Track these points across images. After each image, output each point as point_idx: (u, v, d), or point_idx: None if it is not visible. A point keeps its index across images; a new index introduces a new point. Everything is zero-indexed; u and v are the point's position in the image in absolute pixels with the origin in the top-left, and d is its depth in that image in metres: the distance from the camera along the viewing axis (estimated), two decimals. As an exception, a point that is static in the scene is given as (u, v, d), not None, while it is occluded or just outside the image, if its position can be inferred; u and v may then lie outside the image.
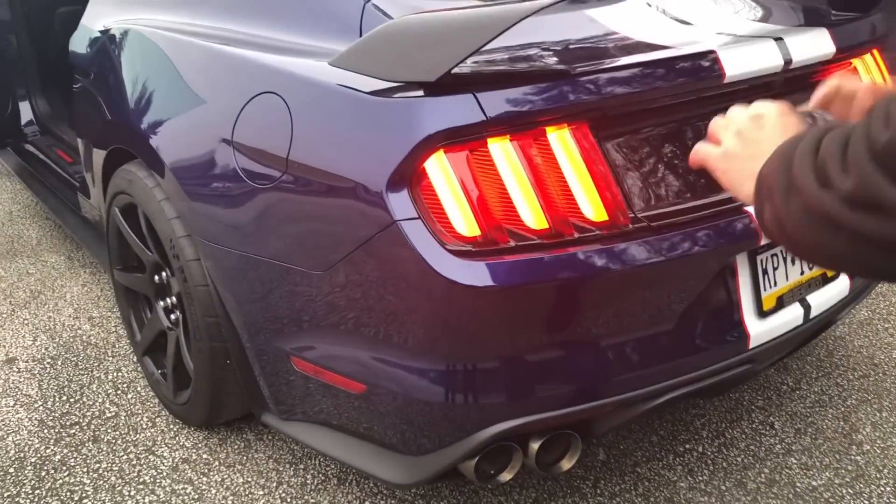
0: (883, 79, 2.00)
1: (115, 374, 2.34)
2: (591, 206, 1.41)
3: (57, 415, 2.17)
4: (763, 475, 1.93)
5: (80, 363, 2.40)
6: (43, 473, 1.96)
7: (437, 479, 1.57)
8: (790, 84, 1.72)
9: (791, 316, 1.67)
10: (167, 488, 1.90)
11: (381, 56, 1.40)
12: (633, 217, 1.43)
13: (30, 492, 1.90)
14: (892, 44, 2.20)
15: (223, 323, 1.77)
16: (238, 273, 1.67)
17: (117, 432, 2.09)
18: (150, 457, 2.01)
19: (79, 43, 2.44)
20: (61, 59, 2.56)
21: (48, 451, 2.03)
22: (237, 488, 1.90)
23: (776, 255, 1.67)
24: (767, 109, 0.84)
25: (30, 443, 2.06)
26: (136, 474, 1.95)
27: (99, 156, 2.26)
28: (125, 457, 2.01)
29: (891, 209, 0.60)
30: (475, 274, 1.34)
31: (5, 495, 1.89)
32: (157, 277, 2.09)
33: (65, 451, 2.03)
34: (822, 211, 0.65)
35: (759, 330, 1.61)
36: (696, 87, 1.50)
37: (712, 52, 1.50)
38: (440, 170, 1.35)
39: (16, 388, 2.29)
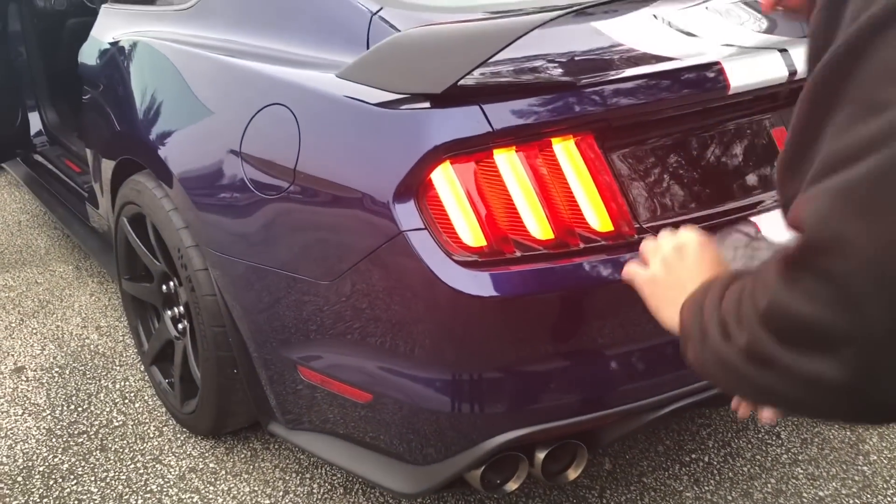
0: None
1: (122, 384, 2.35)
2: (597, 217, 1.41)
3: (65, 423, 2.18)
4: (769, 485, 1.93)
5: (87, 372, 2.41)
6: (51, 482, 1.97)
7: (444, 489, 1.58)
8: (795, 95, 1.73)
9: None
10: (174, 497, 1.91)
11: (387, 68, 1.41)
12: (638, 227, 1.44)
13: (38, 500, 1.91)
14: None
15: (230, 332, 1.78)
16: (245, 283, 1.69)
17: (125, 441, 2.10)
18: (157, 465, 2.01)
19: (88, 54, 2.47)
20: (71, 71, 2.58)
21: (56, 459, 2.04)
22: (243, 497, 1.90)
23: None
24: (689, 241, 0.88)
25: (38, 451, 2.07)
26: (143, 483, 1.96)
27: (108, 166, 2.28)
28: (132, 465, 2.01)
29: (780, 367, 0.62)
30: (481, 284, 1.35)
31: (13, 504, 1.90)
32: (164, 287, 2.10)
33: (72, 459, 2.04)
34: (728, 362, 0.68)
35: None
36: (701, 99, 1.51)
37: (717, 63, 1.51)
38: (446, 180, 1.36)
39: (24, 397, 2.30)
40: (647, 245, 0.93)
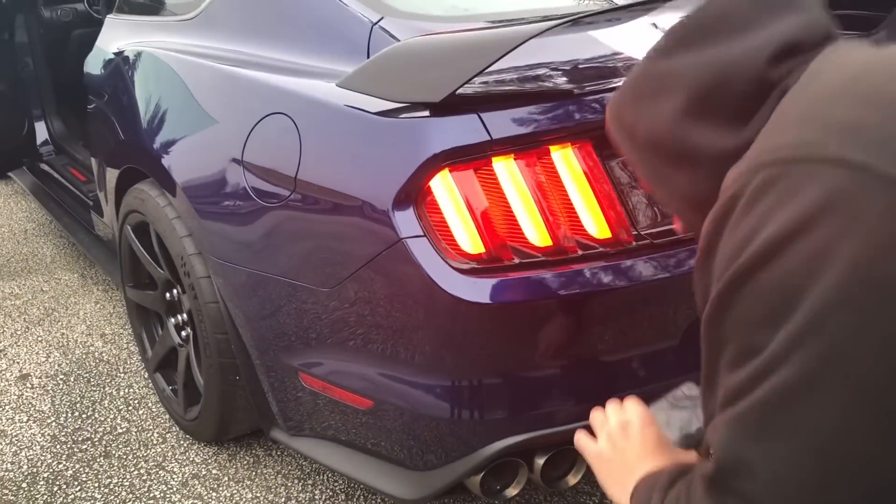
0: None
1: (126, 391, 2.37)
2: (595, 224, 1.42)
3: (69, 430, 2.19)
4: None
5: (92, 379, 2.43)
6: (55, 489, 1.98)
7: (444, 495, 1.58)
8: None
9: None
10: (177, 503, 1.92)
11: (387, 77, 1.43)
12: (636, 234, 1.45)
13: (42, 507, 1.93)
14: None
15: (233, 339, 1.80)
16: (247, 290, 1.70)
17: (128, 448, 2.12)
18: (160, 472, 2.03)
19: (93, 64, 2.50)
20: (76, 81, 2.61)
21: (60, 466, 2.06)
22: (246, 504, 1.92)
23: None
24: (634, 418, 0.97)
25: (42, 458, 2.09)
26: (146, 489, 1.97)
27: (112, 175, 2.30)
28: (136, 472, 2.03)
29: None
30: (480, 291, 1.36)
31: (18, 510, 1.92)
32: (168, 295, 2.12)
33: (77, 466, 2.06)
34: None
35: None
36: (698, 107, 1.52)
37: (714, 71, 1.52)
38: (445, 188, 1.38)
39: (29, 404, 2.32)
40: (596, 417, 1.02)
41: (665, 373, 1.53)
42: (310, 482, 1.98)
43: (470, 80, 1.28)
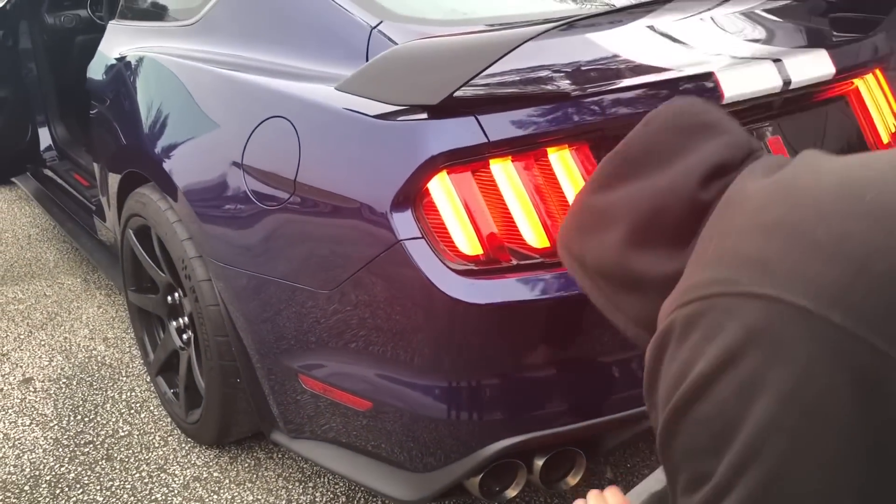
0: (886, 98, 2.02)
1: (128, 394, 2.38)
2: (592, 225, 1.43)
3: (71, 433, 2.20)
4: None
5: (94, 383, 2.44)
6: (57, 491, 1.99)
7: (443, 496, 1.59)
8: (790, 104, 1.75)
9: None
10: (178, 506, 1.93)
11: (385, 80, 1.43)
12: (633, 236, 1.45)
13: (44, 509, 1.93)
14: (894, 63, 2.22)
15: (233, 342, 1.81)
16: (248, 293, 1.71)
17: (130, 451, 2.13)
18: (161, 475, 2.03)
19: (96, 70, 2.51)
20: (79, 87, 2.63)
21: (63, 469, 2.07)
22: (247, 506, 1.92)
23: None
24: None
25: (45, 461, 2.10)
26: (148, 492, 1.97)
27: (114, 179, 2.32)
28: (137, 475, 2.04)
29: None
30: (478, 292, 1.37)
31: (20, 513, 1.92)
32: (169, 298, 2.13)
33: (79, 469, 2.06)
34: None
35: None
36: (695, 108, 1.53)
37: (710, 73, 1.53)
38: (443, 190, 1.38)
39: (32, 408, 2.33)
40: None
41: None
42: (310, 484, 1.98)
43: (467, 82, 1.29)
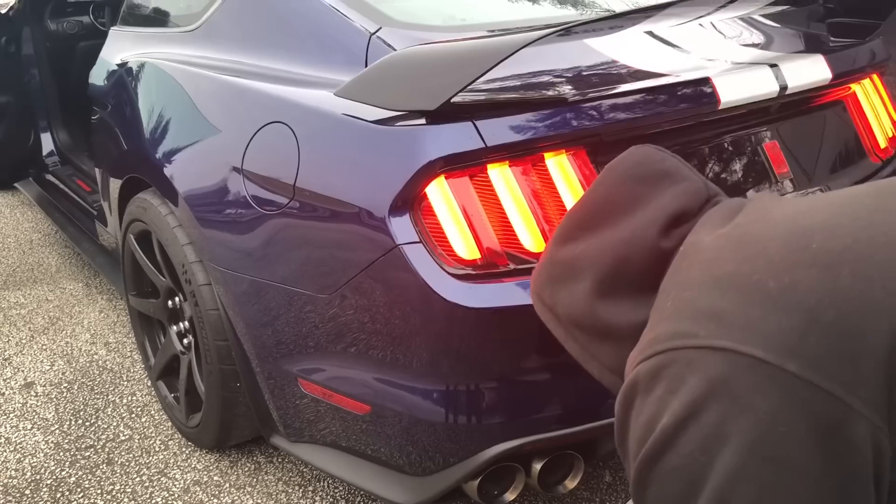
0: (883, 103, 2.03)
1: (129, 398, 2.38)
2: (589, 230, 1.44)
3: (72, 438, 2.21)
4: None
5: (95, 387, 2.45)
6: (58, 495, 1.99)
7: (442, 500, 1.59)
8: (787, 109, 1.76)
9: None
10: (178, 510, 1.94)
11: (383, 86, 1.44)
12: (630, 240, 1.46)
13: (45, 513, 1.94)
14: (892, 68, 2.23)
15: (233, 346, 1.81)
16: (247, 297, 1.72)
17: (131, 455, 2.13)
18: (162, 479, 2.04)
19: (97, 76, 2.53)
20: (82, 92, 2.64)
21: (63, 473, 2.08)
22: (247, 510, 1.93)
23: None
24: None
25: (46, 465, 2.11)
26: (148, 496, 1.98)
27: (115, 184, 2.33)
28: (138, 479, 2.04)
29: None
30: (475, 296, 1.38)
31: (21, 516, 1.93)
32: (170, 302, 2.14)
33: (79, 473, 2.07)
34: None
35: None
36: (691, 114, 1.54)
37: (707, 79, 1.54)
38: (441, 195, 1.39)
39: (33, 412, 2.34)
40: None
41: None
42: (310, 488, 1.99)
43: (465, 88, 1.30)
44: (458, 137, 1.38)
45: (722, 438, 0.71)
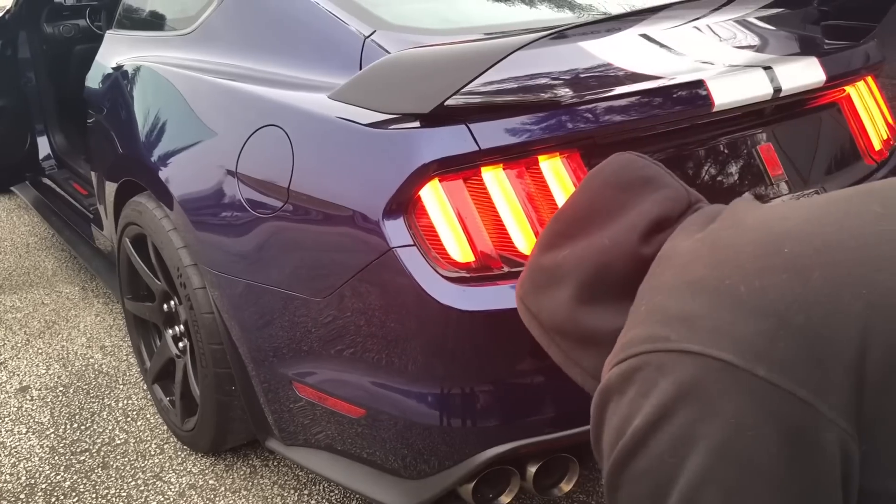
0: (877, 105, 2.03)
1: (125, 402, 2.38)
2: (584, 232, 1.44)
3: (68, 442, 2.21)
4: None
5: (91, 391, 2.44)
6: (53, 500, 1.99)
7: (437, 503, 1.59)
8: (781, 111, 1.76)
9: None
10: (174, 514, 1.93)
11: (377, 89, 1.44)
12: (625, 242, 1.46)
13: (40, 517, 1.94)
14: (887, 71, 2.23)
15: (228, 350, 1.81)
16: (242, 301, 1.72)
17: (126, 459, 2.13)
18: (157, 483, 2.04)
19: (93, 79, 2.53)
20: (78, 96, 2.64)
21: (58, 477, 2.07)
22: (242, 514, 1.92)
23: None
24: None
25: (41, 469, 2.10)
26: (143, 500, 1.98)
27: (111, 188, 2.33)
28: (133, 483, 2.04)
29: None
30: (469, 299, 1.37)
31: (16, 521, 1.92)
32: (165, 306, 2.13)
33: (74, 477, 2.07)
34: None
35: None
36: (685, 116, 1.54)
37: (701, 81, 1.54)
38: (435, 198, 1.39)
39: (28, 416, 2.33)
40: None
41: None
42: (306, 492, 1.99)
43: (458, 91, 1.30)
44: (451, 140, 1.38)
45: (691, 441, 0.72)
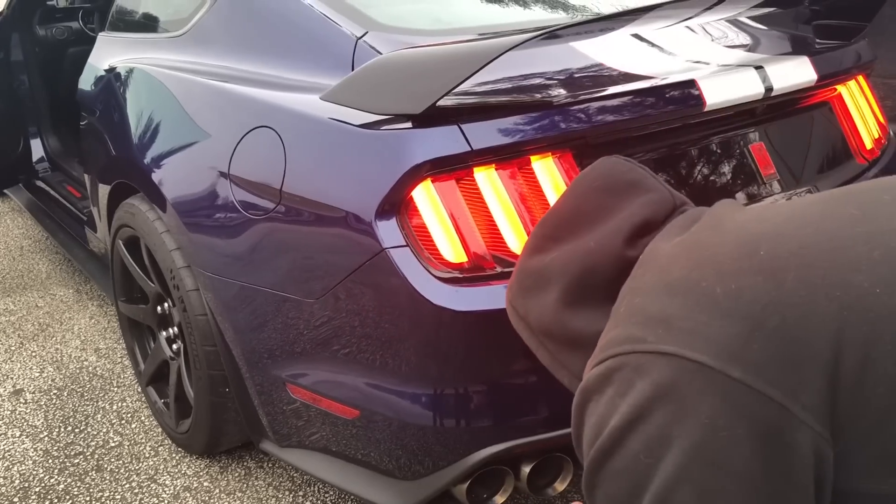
0: (869, 104, 2.04)
1: (119, 405, 2.37)
2: (576, 232, 1.44)
3: (61, 445, 2.20)
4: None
5: (85, 394, 2.44)
6: (46, 503, 1.98)
7: (432, 504, 1.59)
8: (773, 111, 1.76)
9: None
10: (168, 516, 1.93)
11: (369, 90, 1.44)
12: (617, 242, 1.46)
13: (34, 521, 1.93)
14: (879, 70, 2.24)
15: (222, 351, 1.81)
16: (236, 302, 1.71)
17: (120, 461, 2.12)
18: (152, 485, 2.03)
19: (86, 81, 2.52)
20: (71, 98, 2.64)
21: (52, 480, 2.07)
22: (237, 516, 1.92)
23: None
24: None
25: (34, 473, 2.10)
26: (138, 503, 1.97)
27: (104, 190, 2.32)
28: (127, 485, 2.03)
29: None
30: (462, 299, 1.38)
31: (9, 524, 1.92)
32: (159, 308, 2.13)
33: (68, 480, 2.06)
34: None
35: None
36: (677, 116, 1.55)
37: (692, 81, 1.54)
38: (427, 198, 1.39)
39: (22, 419, 2.32)
40: None
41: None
42: (300, 493, 1.98)
43: (450, 91, 1.30)
44: (443, 141, 1.38)
45: (666, 442, 0.72)
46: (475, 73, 1.28)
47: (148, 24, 2.41)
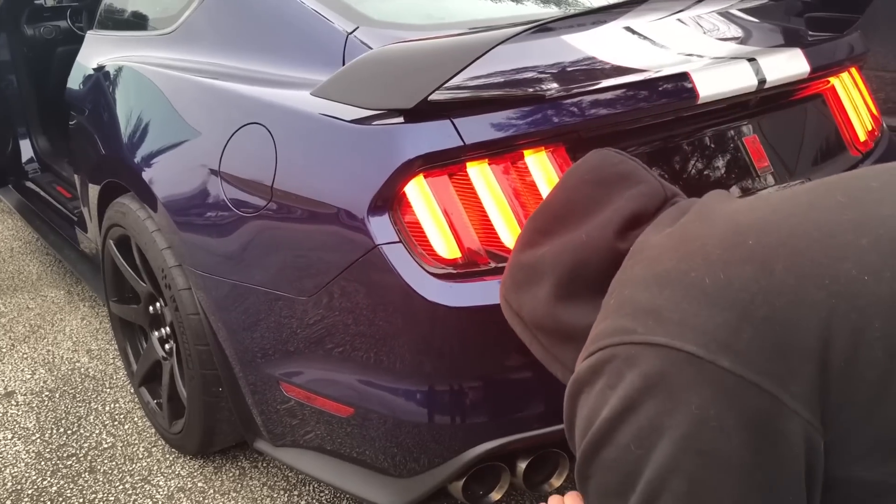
0: (862, 96, 2.03)
1: (112, 406, 2.36)
2: (570, 227, 1.43)
3: (54, 446, 2.18)
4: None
5: (77, 395, 2.42)
6: (39, 505, 1.97)
7: (428, 501, 1.58)
8: (766, 103, 1.76)
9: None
10: (162, 517, 1.92)
11: (360, 85, 1.43)
12: (611, 236, 1.45)
13: (26, 524, 1.91)
14: (871, 62, 2.24)
15: (214, 351, 1.80)
16: (228, 301, 1.70)
17: (114, 462, 2.11)
18: (145, 486, 2.02)
19: (74, 80, 2.50)
20: (60, 98, 2.62)
21: (45, 482, 2.05)
22: (232, 516, 1.91)
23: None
24: None
25: (27, 475, 2.08)
26: (131, 504, 1.96)
27: (94, 190, 2.30)
28: (121, 487, 2.02)
29: None
30: (456, 295, 1.37)
31: (2, 528, 1.90)
32: (151, 308, 2.11)
33: (61, 482, 2.05)
34: None
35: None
36: (670, 109, 1.54)
37: (685, 74, 1.53)
38: (420, 194, 1.38)
39: (14, 422, 2.31)
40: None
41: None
42: (295, 493, 1.97)
43: (441, 86, 1.29)
44: (436, 136, 1.37)
45: (656, 432, 0.73)
46: (467, 66, 1.27)
47: (136, 21, 2.39)
